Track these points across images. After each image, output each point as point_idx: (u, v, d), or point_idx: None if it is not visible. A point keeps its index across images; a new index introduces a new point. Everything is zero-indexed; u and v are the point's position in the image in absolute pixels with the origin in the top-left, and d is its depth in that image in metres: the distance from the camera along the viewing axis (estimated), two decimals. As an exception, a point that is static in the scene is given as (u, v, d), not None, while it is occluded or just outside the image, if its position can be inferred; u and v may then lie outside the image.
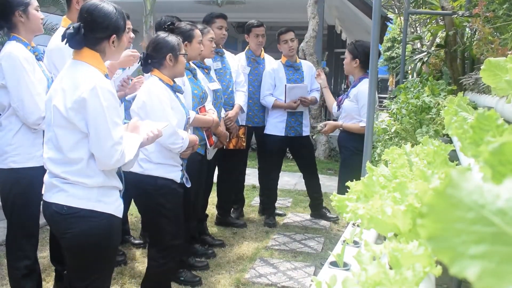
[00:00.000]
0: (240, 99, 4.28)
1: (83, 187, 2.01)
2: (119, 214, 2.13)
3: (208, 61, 3.91)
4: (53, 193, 2.04)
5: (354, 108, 3.80)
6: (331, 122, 4.14)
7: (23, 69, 2.58)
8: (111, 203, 2.07)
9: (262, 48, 4.74)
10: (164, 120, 2.67)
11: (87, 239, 2.03)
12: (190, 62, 3.38)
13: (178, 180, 2.86)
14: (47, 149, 2.07)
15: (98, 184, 2.02)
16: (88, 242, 2.03)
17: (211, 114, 3.43)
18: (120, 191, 2.16)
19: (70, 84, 1.97)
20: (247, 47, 4.73)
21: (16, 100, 2.59)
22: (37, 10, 2.75)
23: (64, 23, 3.03)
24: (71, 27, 2.00)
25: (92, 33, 2.02)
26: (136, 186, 2.78)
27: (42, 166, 2.79)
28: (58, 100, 1.98)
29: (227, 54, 4.32)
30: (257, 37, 4.57)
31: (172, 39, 2.83)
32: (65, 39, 2.01)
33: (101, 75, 2.00)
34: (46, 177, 2.11)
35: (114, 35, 2.06)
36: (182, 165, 2.92)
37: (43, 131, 2.79)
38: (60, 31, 2.99)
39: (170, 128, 2.72)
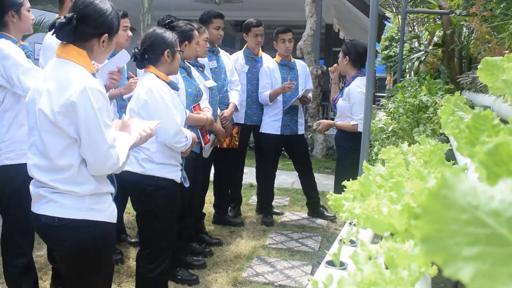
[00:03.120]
0: (235, 98, 4.29)
1: (74, 197, 1.89)
2: (113, 219, 2.03)
3: (204, 60, 3.91)
4: (42, 204, 1.92)
5: (346, 106, 3.81)
6: (324, 120, 4.23)
7: (13, 57, 2.62)
8: (104, 210, 1.97)
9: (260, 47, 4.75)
10: (169, 118, 2.62)
11: (81, 250, 1.93)
12: (185, 61, 3.36)
13: (179, 180, 2.84)
14: (31, 154, 1.93)
15: (89, 192, 1.91)
16: (83, 253, 1.94)
17: (205, 112, 3.41)
18: (112, 194, 2.06)
19: (56, 85, 1.84)
20: (245, 46, 4.73)
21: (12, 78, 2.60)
22: (29, 11, 2.79)
23: None
24: (62, 17, 1.88)
25: (84, 27, 1.90)
26: (135, 187, 2.76)
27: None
28: (44, 103, 1.84)
29: (222, 53, 4.32)
30: (256, 36, 4.58)
31: (169, 35, 2.79)
32: (54, 29, 1.89)
33: (89, 75, 1.89)
34: (31, 187, 1.97)
35: (106, 34, 1.95)
36: (181, 164, 2.90)
37: None
38: None
39: (175, 126, 2.67)
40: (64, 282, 2.13)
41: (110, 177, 2.07)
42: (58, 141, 1.87)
